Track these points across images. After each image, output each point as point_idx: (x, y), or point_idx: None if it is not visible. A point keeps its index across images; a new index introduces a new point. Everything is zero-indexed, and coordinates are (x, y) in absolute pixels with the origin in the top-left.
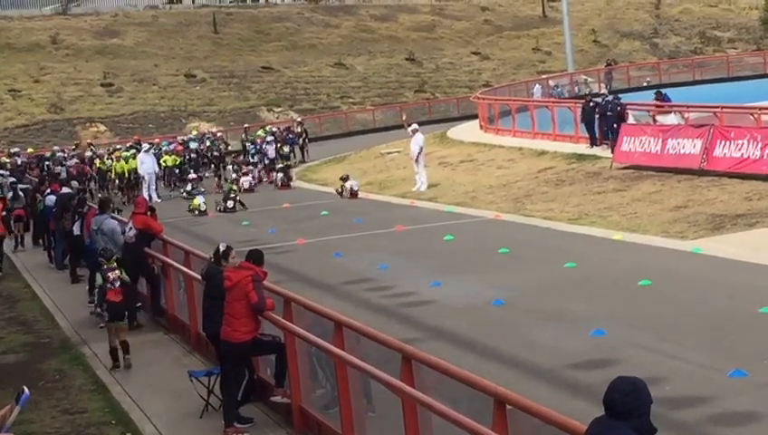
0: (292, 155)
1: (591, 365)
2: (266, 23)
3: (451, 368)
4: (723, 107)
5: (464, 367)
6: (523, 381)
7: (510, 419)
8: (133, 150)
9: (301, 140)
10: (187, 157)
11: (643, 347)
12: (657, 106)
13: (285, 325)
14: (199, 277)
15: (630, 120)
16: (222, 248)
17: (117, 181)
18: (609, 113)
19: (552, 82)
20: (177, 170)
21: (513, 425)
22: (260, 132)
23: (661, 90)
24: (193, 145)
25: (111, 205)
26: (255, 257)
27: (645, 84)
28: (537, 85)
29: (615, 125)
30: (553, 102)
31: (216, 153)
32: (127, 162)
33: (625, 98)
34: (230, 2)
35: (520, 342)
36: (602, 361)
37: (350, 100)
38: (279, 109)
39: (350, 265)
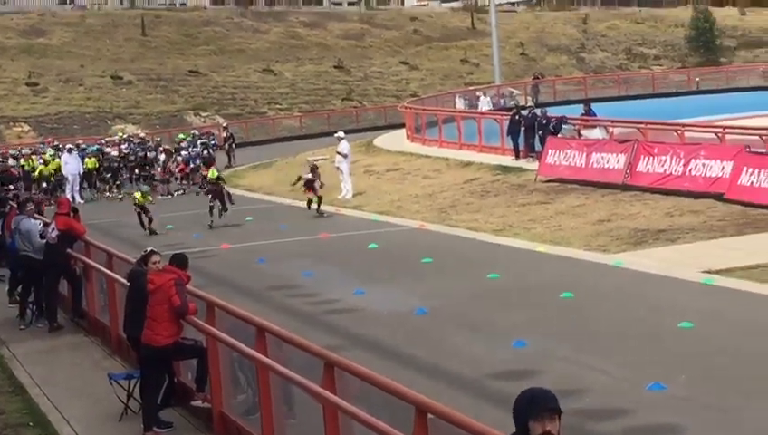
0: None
1: (513, 376)
2: (195, 26)
3: (373, 376)
4: (647, 123)
5: (386, 375)
6: (445, 390)
7: (431, 427)
8: (54, 152)
9: (227, 144)
10: (108, 162)
11: (564, 359)
12: (583, 120)
13: (208, 330)
14: (122, 280)
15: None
16: (148, 251)
17: (43, 183)
18: (545, 126)
19: (479, 94)
20: (95, 172)
21: (435, 434)
22: (181, 136)
23: (590, 103)
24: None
25: (31, 205)
26: (179, 261)
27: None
28: (484, 97)
29: (542, 136)
30: (480, 114)
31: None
32: (47, 165)
33: (551, 111)
34: (159, 4)
35: (442, 351)
36: (523, 372)
37: (278, 106)
38: (206, 113)
39: (274, 271)
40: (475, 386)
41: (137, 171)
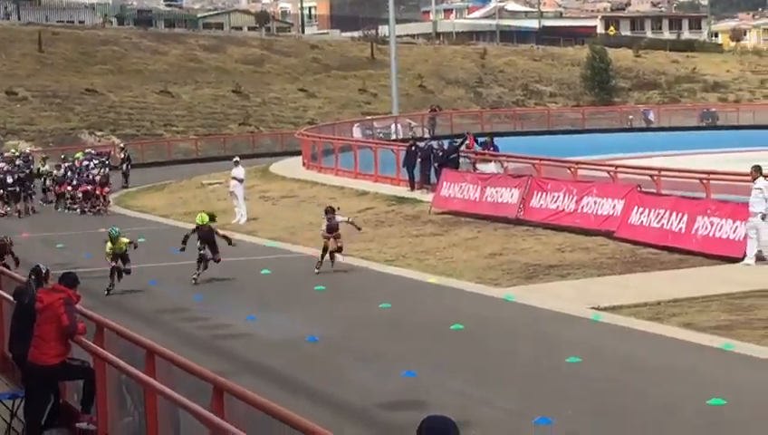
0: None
1: (401, 406)
2: (93, 45)
3: (262, 401)
4: (541, 159)
5: (275, 402)
6: (334, 418)
7: None
8: None
9: (124, 165)
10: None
11: (452, 390)
12: (480, 154)
13: (96, 351)
14: (9, 297)
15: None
16: (43, 270)
17: None
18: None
19: (376, 124)
20: None
21: None
22: (78, 155)
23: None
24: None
25: None
26: (69, 280)
27: None
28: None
29: (438, 169)
30: (376, 144)
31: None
32: None
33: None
34: (57, 21)
35: (332, 379)
36: (412, 402)
37: (174, 128)
38: (101, 132)
39: (166, 293)
40: (363, 415)
41: (17, 187)
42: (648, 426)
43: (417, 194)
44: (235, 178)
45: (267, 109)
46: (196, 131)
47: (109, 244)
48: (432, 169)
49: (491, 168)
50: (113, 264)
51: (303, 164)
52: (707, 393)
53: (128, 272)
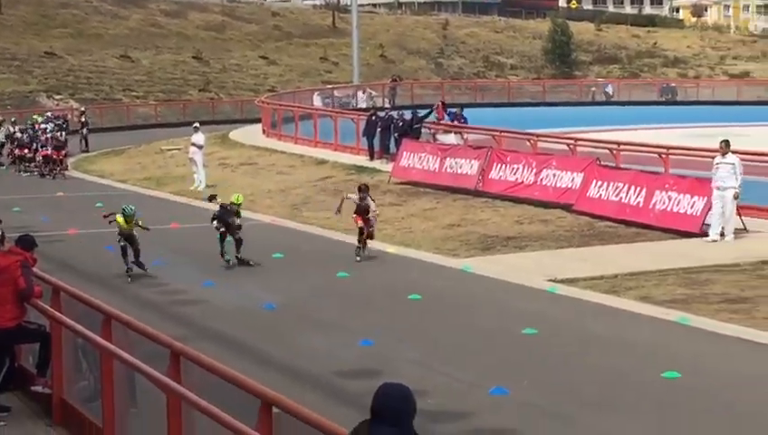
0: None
1: (358, 374)
2: (53, 8)
3: (219, 367)
4: (501, 131)
5: (231, 368)
6: (291, 385)
7: (275, 421)
8: None
9: (84, 129)
10: None
11: (409, 360)
12: (444, 125)
13: (52, 314)
14: None
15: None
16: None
17: None
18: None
19: (337, 93)
20: None
21: (279, 428)
22: (36, 117)
23: (462, 109)
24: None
25: None
26: (25, 243)
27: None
28: (362, 94)
29: (398, 139)
30: (337, 113)
31: None
32: None
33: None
34: None
35: (288, 346)
36: (369, 370)
37: (134, 93)
38: (59, 96)
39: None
40: (321, 383)
41: None
42: (603, 398)
43: (376, 164)
44: (194, 144)
45: (228, 75)
46: (155, 97)
47: (120, 219)
48: (392, 139)
49: (451, 139)
50: (121, 244)
51: (263, 131)
52: (662, 366)
53: (137, 251)
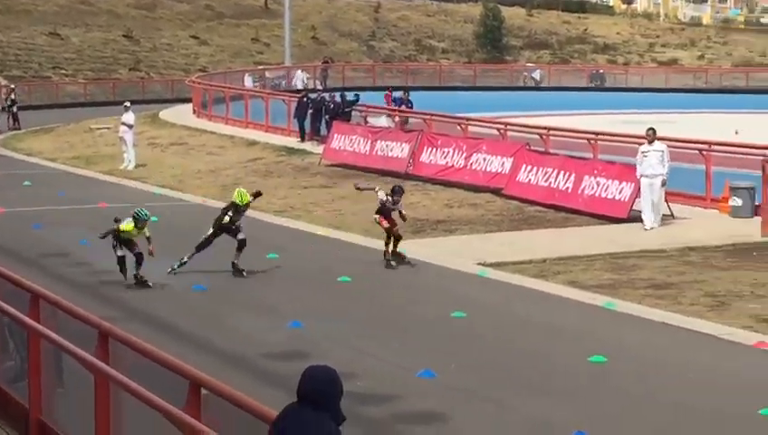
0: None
1: (287, 356)
2: None
3: (147, 348)
4: (432, 114)
5: (160, 349)
6: (219, 367)
7: (203, 403)
8: None
9: (13, 106)
10: None
11: (338, 342)
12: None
13: None
14: None
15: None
16: None
17: None
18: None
19: (268, 74)
20: None
21: (207, 409)
22: None
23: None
24: None
25: None
26: None
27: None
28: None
29: (329, 121)
30: (268, 94)
31: None
32: None
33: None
34: None
35: (218, 328)
36: (297, 352)
37: (63, 71)
38: None
39: (50, 238)
40: (249, 364)
41: None
42: (530, 381)
43: (307, 145)
44: (124, 123)
45: (158, 55)
46: (85, 75)
47: (129, 226)
48: (323, 121)
49: (382, 121)
50: (119, 253)
51: (194, 112)
52: (589, 350)
53: (140, 255)
